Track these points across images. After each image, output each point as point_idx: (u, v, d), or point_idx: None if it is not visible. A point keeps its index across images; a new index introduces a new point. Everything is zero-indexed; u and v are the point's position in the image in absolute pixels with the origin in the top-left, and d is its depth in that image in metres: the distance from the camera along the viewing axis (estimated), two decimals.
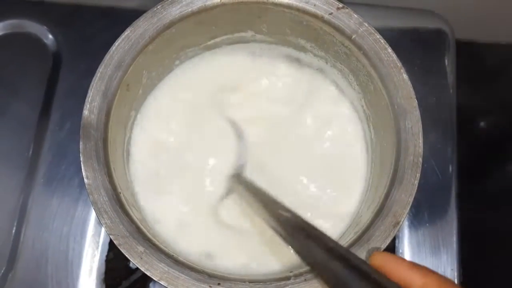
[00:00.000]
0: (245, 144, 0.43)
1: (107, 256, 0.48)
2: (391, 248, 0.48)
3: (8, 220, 0.49)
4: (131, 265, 0.48)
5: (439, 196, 0.50)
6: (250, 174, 0.42)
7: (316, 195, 0.43)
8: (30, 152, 0.51)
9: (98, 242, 0.48)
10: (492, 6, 0.58)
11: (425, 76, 0.54)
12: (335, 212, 0.42)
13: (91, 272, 0.47)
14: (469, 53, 0.60)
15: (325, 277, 0.28)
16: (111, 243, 0.48)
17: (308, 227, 0.31)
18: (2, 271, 0.47)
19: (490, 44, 0.63)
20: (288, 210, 0.33)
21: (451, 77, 0.54)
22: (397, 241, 0.48)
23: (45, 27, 0.55)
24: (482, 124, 0.67)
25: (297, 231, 0.31)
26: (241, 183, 0.40)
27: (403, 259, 0.28)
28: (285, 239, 0.32)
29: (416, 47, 0.55)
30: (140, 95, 0.42)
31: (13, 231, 0.48)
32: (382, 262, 0.28)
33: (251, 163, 0.43)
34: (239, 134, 0.44)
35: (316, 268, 0.29)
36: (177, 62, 0.45)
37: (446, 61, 0.55)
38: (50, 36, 0.54)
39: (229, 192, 0.42)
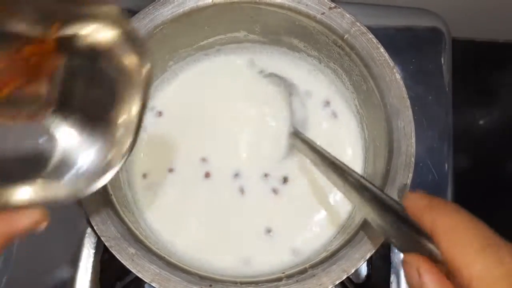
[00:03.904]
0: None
1: (102, 257, 0.47)
2: (386, 247, 0.48)
3: None
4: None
5: (435, 196, 0.50)
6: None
7: None
8: None
9: (93, 243, 0.48)
10: (488, 4, 0.58)
11: (421, 75, 0.54)
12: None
13: (86, 273, 0.47)
14: (466, 51, 0.60)
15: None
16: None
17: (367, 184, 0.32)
18: None
19: (486, 42, 0.63)
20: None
21: (447, 76, 0.54)
22: None
23: None
24: (480, 122, 0.67)
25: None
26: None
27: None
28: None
29: (411, 46, 0.55)
30: None
31: None
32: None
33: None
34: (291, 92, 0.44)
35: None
36: (170, 63, 0.44)
37: (442, 60, 0.54)
38: None
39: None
